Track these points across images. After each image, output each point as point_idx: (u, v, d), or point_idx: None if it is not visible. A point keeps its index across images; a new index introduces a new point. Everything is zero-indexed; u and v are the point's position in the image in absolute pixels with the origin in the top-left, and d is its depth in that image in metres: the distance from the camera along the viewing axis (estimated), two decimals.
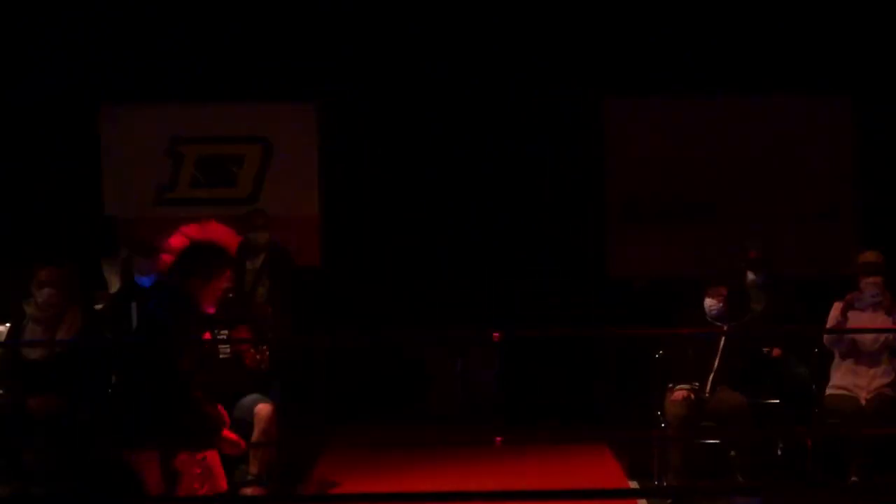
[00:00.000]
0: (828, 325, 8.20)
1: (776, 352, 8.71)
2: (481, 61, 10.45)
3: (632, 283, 10.48)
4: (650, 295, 10.21)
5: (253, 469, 7.53)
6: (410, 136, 10.59)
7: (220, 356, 7.65)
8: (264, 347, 7.69)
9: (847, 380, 8.11)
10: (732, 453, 8.08)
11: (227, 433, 5.45)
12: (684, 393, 8.00)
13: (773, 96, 10.52)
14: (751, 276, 9.15)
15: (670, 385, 8.10)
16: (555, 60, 10.48)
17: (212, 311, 5.44)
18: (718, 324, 8.22)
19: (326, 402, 9.88)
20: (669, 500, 7.78)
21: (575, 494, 5.64)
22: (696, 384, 8.07)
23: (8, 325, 7.94)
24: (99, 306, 8.98)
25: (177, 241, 5.40)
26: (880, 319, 8.10)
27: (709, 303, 8.24)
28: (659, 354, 8.33)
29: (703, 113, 10.65)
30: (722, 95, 10.53)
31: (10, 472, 7.55)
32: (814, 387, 8.34)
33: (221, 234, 5.45)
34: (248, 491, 7.40)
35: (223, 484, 5.55)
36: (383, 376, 10.22)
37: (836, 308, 8.18)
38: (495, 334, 6.65)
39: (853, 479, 7.80)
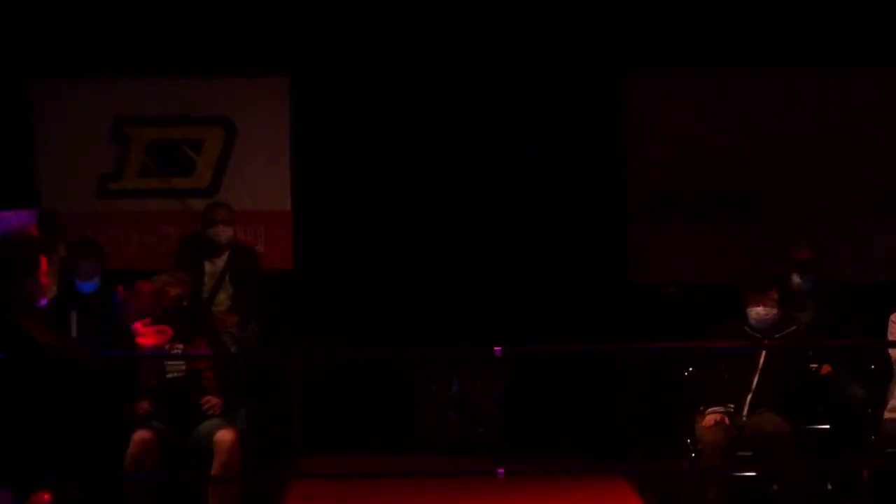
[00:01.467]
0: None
1: (826, 369, 8.68)
2: (481, 48, 10.41)
3: (658, 289, 10.45)
4: (679, 302, 10.18)
5: None
6: (397, 118, 10.57)
7: (173, 374, 7.66)
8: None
9: None
10: (775, 487, 8.05)
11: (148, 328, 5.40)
12: (718, 417, 7.98)
13: (823, 68, 10.46)
14: (797, 280, 9.12)
15: (702, 408, 8.07)
16: (565, 40, 10.44)
17: (44, 303, 5.40)
18: (758, 336, 8.18)
19: (299, 427, 9.85)
20: None
21: None
22: (732, 407, 8.05)
23: None
24: None
25: None
26: None
27: (759, 311, 8.18)
28: (689, 372, 8.29)
29: (740, 88, 10.60)
30: (762, 67, 10.48)
31: None
32: (870, 410, 8.31)
33: (11, 218, 5.36)
34: None
35: None
36: (366, 397, 10.19)
37: None
38: (497, 349, 6.60)
39: None
